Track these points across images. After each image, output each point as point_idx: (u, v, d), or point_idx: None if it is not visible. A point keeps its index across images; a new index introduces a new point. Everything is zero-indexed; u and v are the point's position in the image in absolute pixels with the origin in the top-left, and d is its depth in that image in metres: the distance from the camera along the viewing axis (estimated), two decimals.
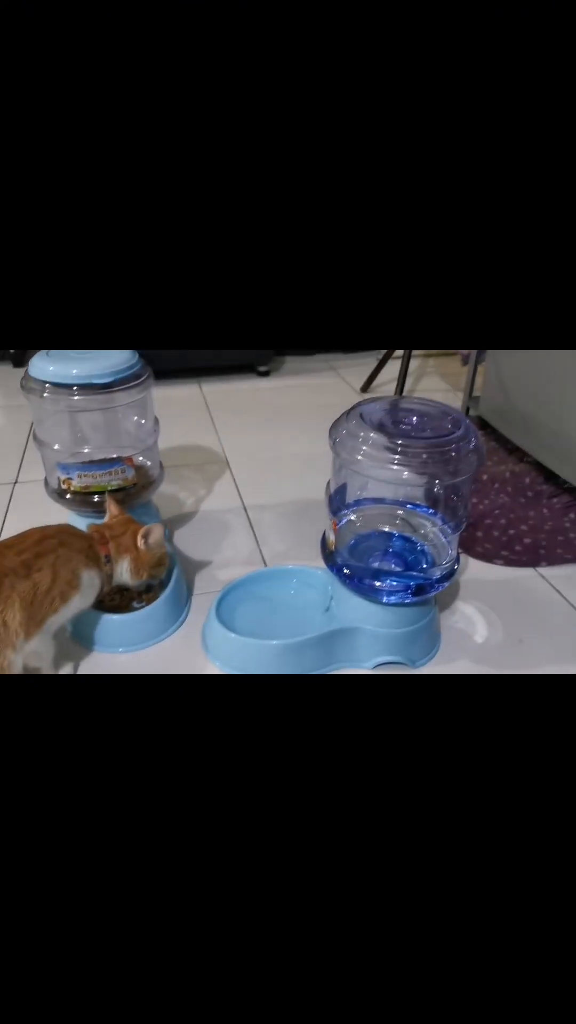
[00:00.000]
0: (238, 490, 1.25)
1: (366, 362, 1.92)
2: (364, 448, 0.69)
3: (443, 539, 0.80)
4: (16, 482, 1.24)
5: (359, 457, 0.69)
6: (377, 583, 0.77)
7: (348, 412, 0.74)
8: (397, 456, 0.68)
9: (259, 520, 1.15)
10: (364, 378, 1.79)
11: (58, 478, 0.90)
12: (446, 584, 0.80)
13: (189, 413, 1.59)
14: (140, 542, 0.82)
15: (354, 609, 0.80)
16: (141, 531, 0.82)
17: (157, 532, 0.83)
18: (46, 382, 0.83)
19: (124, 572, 0.82)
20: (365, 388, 1.77)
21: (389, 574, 0.78)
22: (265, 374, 1.85)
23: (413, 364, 1.94)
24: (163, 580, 0.91)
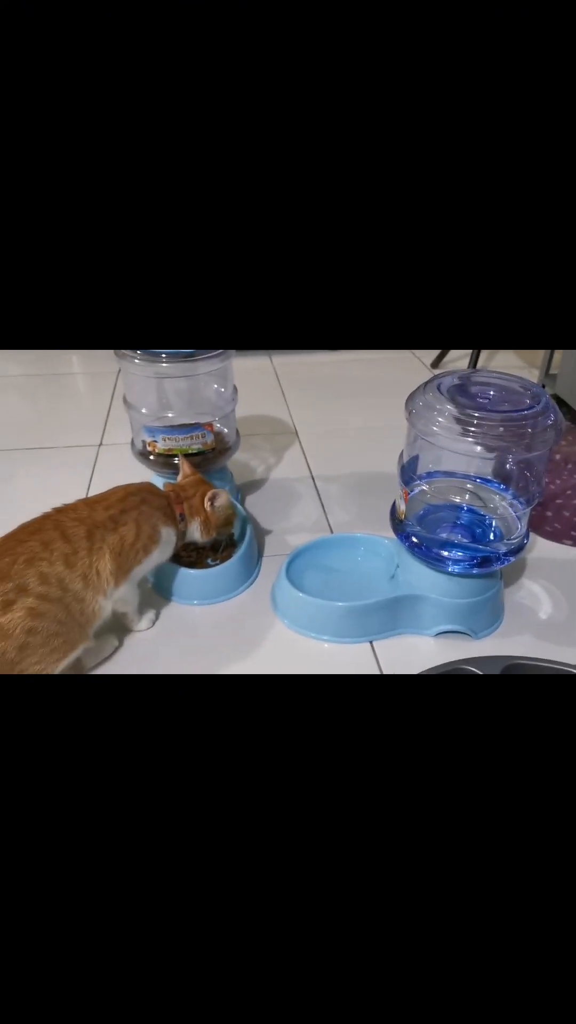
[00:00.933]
0: (307, 460, 1.29)
1: None
2: (440, 420, 0.71)
3: (513, 514, 0.81)
4: (100, 444, 1.32)
5: (435, 428, 0.71)
6: (444, 553, 0.79)
7: (425, 384, 0.76)
8: (473, 429, 0.69)
9: (326, 490, 1.18)
10: (434, 354, 1.77)
11: (143, 440, 0.97)
12: (512, 559, 0.81)
13: (260, 385, 1.63)
14: (207, 504, 0.87)
15: (420, 577, 0.83)
16: (208, 494, 0.87)
17: (223, 497, 0.88)
18: (137, 349, 0.89)
19: (195, 531, 0.88)
20: (436, 364, 1.75)
21: (456, 545, 0.80)
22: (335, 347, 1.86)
23: None
24: (236, 540, 0.97)
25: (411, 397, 0.76)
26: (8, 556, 0.69)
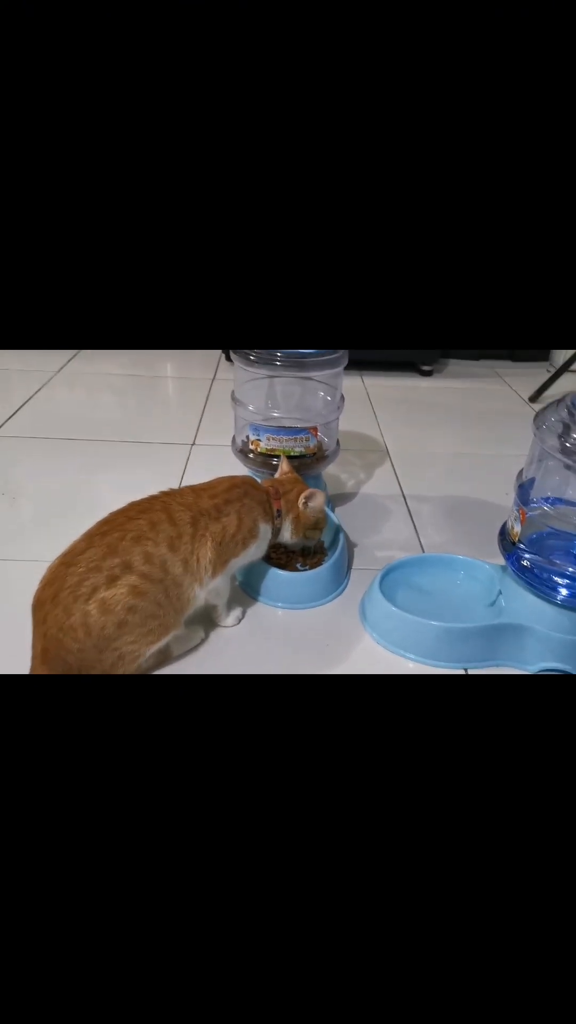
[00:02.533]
0: (398, 479, 1.26)
1: (534, 372, 1.84)
2: (573, 437, 0.67)
3: None
4: (194, 444, 1.34)
5: (568, 445, 0.67)
6: (556, 579, 0.74)
7: (559, 401, 0.72)
8: None
9: (418, 511, 1.15)
10: (531, 388, 1.72)
11: (246, 438, 0.97)
12: None
13: (352, 403, 1.61)
14: (301, 502, 0.85)
15: (526, 606, 0.78)
16: (305, 492, 0.86)
17: (319, 497, 0.86)
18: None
19: (286, 529, 0.86)
20: (535, 398, 1.69)
21: (570, 575, 0.75)
22: (428, 373, 1.83)
23: None
24: (327, 548, 0.95)
25: (542, 413, 0.72)
26: (118, 531, 0.70)
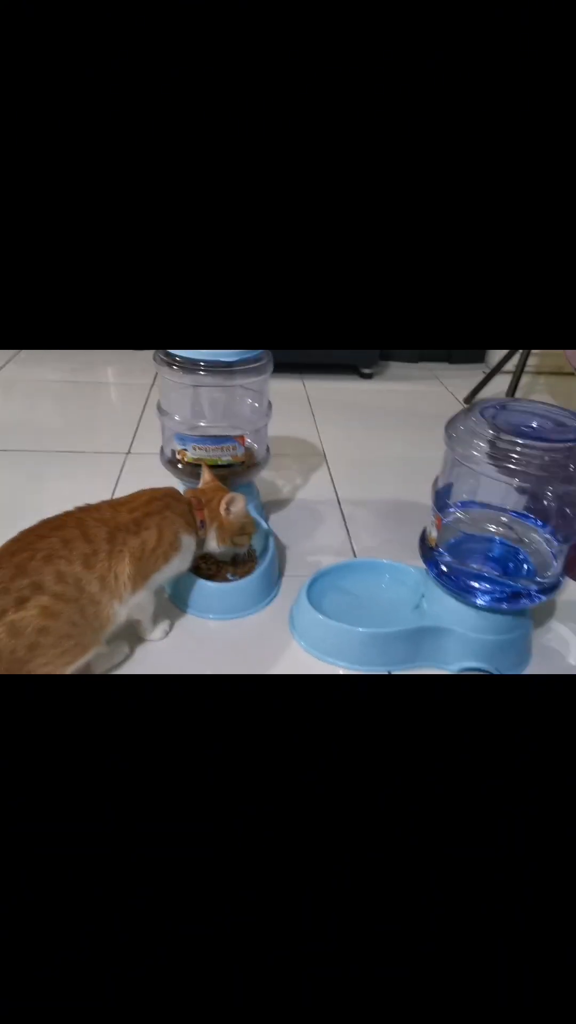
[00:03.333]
0: (333, 484, 1.27)
1: (471, 374, 1.88)
2: (481, 445, 0.69)
3: (548, 551, 0.78)
4: (129, 453, 1.32)
5: (475, 454, 0.69)
6: (473, 584, 0.76)
7: (468, 409, 0.74)
8: (516, 456, 0.67)
9: (352, 515, 1.16)
10: (467, 390, 1.76)
11: (173, 449, 0.96)
12: (544, 598, 0.77)
13: (291, 407, 1.63)
14: (223, 508, 0.85)
15: (447, 610, 0.79)
16: (226, 498, 0.85)
17: (240, 502, 0.86)
18: (177, 357, 0.88)
19: (211, 538, 0.86)
20: (469, 400, 1.73)
21: (486, 578, 0.77)
22: (368, 376, 1.86)
23: (523, 380, 1.88)
24: (257, 556, 0.95)
25: (452, 421, 0.74)
26: (27, 551, 0.68)
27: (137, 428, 1.44)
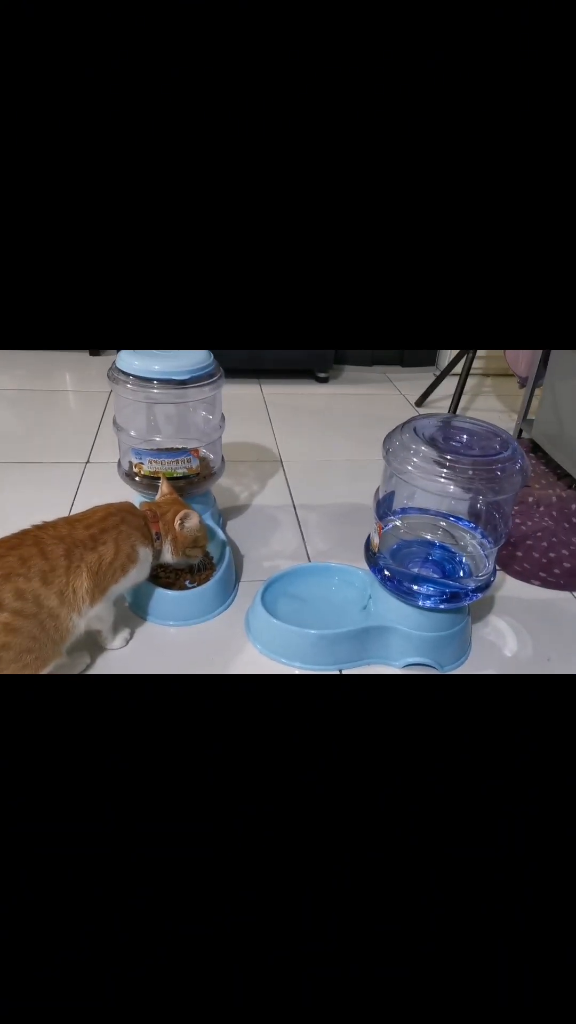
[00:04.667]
0: (289, 489, 1.32)
1: (423, 376, 1.95)
2: (415, 460, 0.74)
3: (482, 552, 0.84)
4: (88, 462, 1.34)
5: (409, 468, 0.74)
6: (415, 587, 0.82)
7: (403, 425, 0.79)
8: (445, 470, 0.72)
9: (307, 519, 1.21)
10: (420, 392, 1.83)
11: (130, 462, 0.99)
12: (480, 596, 0.84)
13: (249, 412, 1.66)
14: (177, 523, 0.89)
15: (391, 610, 0.85)
16: (181, 513, 0.89)
17: (193, 519, 0.90)
18: (130, 375, 0.92)
19: (166, 550, 0.89)
20: (420, 403, 1.80)
21: (427, 580, 0.83)
22: (324, 380, 1.91)
23: (470, 383, 1.96)
24: (215, 563, 0.99)
25: (389, 437, 0.79)
26: None
27: (96, 436, 1.46)
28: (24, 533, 0.76)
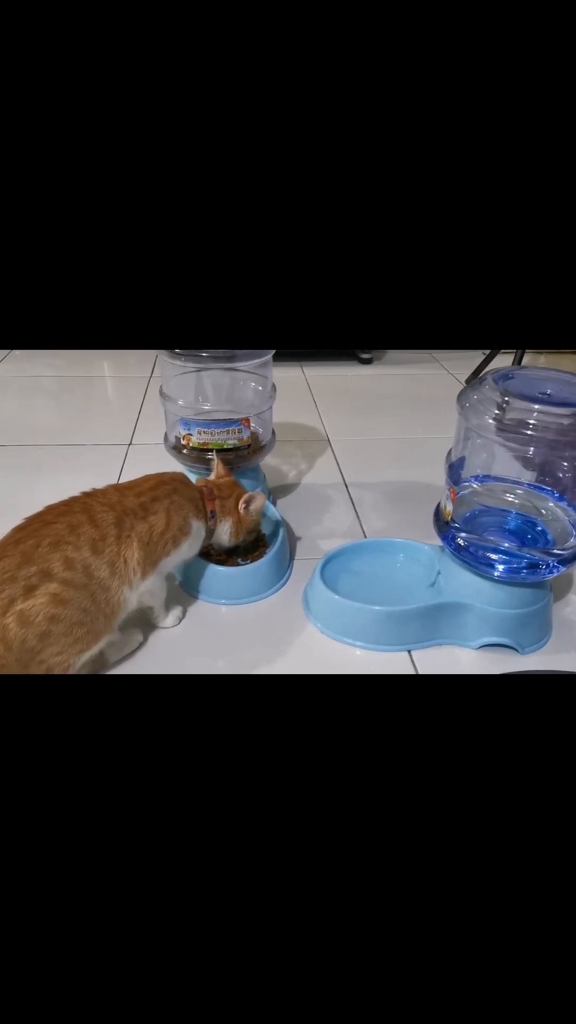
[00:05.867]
0: (339, 467, 1.25)
1: (471, 354, 1.86)
2: (495, 412, 0.67)
3: (567, 520, 0.76)
4: (131, 444, 1.30)
5: (489, 421, 0.67)
6: (491, 556, 0.74)
7: (481, 378, 0.72)
8: (531, 422, 0.65)
9: (360, 497, 1.14)
10: (468, 371, 1.74)
11: (178, 435, 0.94)
12: (564, 568, 0.75)
13: (292, 394, 1.61)
14: (241, 507, 0.84)
15: (464, 584, 0.78)
16: (244, 497, 0.84)
17: (259, 501, 0.85)
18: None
19: (224, 533, 0.84)
20: (471, 380, 1.71)
21: (504, 551, 0.75)
22: (368, 361, 1.84)
23: (524, 359, 1.86)
24: (268, 540, 0.93)
25: (463, 393, 0.72)
26: (33, 538, 0.66)
27: (138, 420, 1.42)
28: (73, 500, 0.72)
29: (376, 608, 0.78)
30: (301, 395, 1.61)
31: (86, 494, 0.74)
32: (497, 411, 0.67)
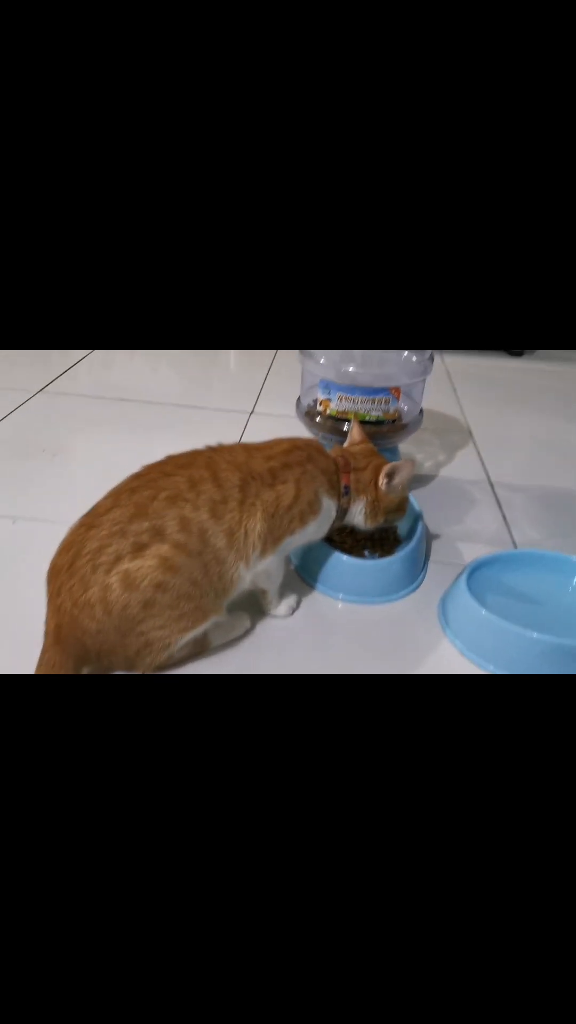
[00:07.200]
0: (483, 463, 1.08)
1: None
2: None
3: None
4: (253, 412, 1.21)
5: None
6: None
7: None
8: None
9: (509, 500, 0.97)
10: None
11: (315, 399, 0.82)
12: None
13: (430, 381, 1.45)
14: (382, 480, 0.70)
15: None
16: (386, 468, 0.70)
17: (406, 470, 0.70)
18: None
19: (358, 512, 0.71)
20: None
21: None
22: (519, 354, 1.63)
23: None
24: (401, 534, 0.79)
25: None
26: (149, 488, 0.57)
27: (262, 389, 1.33)
28: (196, 453, 0.62)
29: (542, 637, 0.62)
30: (439, 383, 1.44)
31: (211, 449, 0.64)
32: None
